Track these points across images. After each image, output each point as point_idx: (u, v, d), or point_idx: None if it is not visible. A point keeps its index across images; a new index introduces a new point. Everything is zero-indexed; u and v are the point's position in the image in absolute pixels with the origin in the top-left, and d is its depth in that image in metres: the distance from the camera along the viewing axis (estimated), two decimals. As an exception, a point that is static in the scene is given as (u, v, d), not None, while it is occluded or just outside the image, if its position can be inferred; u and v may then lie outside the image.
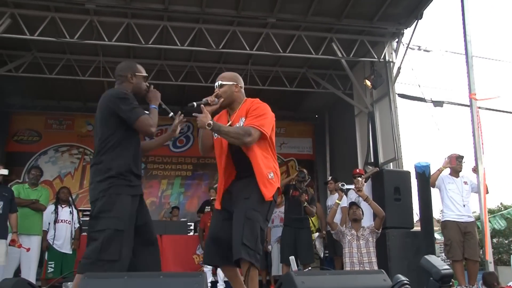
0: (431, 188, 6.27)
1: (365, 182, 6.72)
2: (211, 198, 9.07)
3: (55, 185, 10.26)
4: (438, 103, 9.64)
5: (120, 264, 2.89)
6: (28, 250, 6.17)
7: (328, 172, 11.74)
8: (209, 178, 11.86)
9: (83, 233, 7.38)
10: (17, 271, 6.43)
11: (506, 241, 24.91)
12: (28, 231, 6.44)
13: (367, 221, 5.98)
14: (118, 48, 8.90)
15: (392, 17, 8.34)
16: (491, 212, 14.50)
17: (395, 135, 8.50)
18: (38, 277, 6.70)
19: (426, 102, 9.53)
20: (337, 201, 5.93)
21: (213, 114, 3.39)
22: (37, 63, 9.16)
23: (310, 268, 7.01)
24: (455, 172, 6.44)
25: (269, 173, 3.14)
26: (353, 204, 5.84)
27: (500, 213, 14.42)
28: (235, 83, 3.39)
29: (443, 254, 8.13)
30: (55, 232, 6.86)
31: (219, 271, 7.92)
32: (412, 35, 8.61)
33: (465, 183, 6.32)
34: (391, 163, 8.64)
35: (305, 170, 7.44)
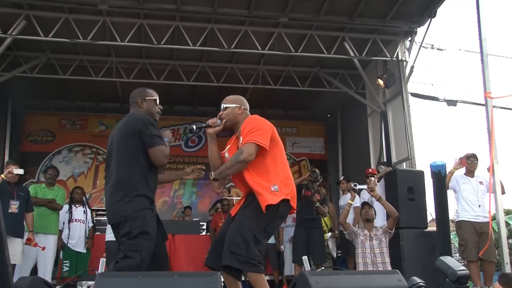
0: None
1: (378, 182, 6.68)
2: (223, 197, 9.09)
3: (68, 184, 10.34)
4: (451, 102, 9.56)
5: None
6: (43, 249, 6.22)
7: (341, 172, 11.69)
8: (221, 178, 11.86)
9: (97, 232, 7.46)
10: (34, 270, 6.50)
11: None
12: (45, 230, 6.51)
13: (381, 221, 5.95)
14: (131, 48, 8.95)
15: (405, 15, 8.27)
16: (507, 212, 14.33)
17: (408, 135, 8.44)
18: (53, 275, 6.77)
19: (439, 101, 9.46)
20: (349, 201, 5.90)
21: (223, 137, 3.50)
22: (51, 64, 9.26)
23: (323, 268, 6.99)
24: (470, 172, 6.39)
25: (271, 186, 3.15)
26: (365, 204, 5.80)
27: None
28: (238, 105, 3.44)
29: (457, 255, 8.07)
30: (69, 231, 6.95)
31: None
32: (425, 34, 8.55)
33: (481, 183, 6.25)
34: (404, 163, 8.58)
35: (317, 170, 7.42)
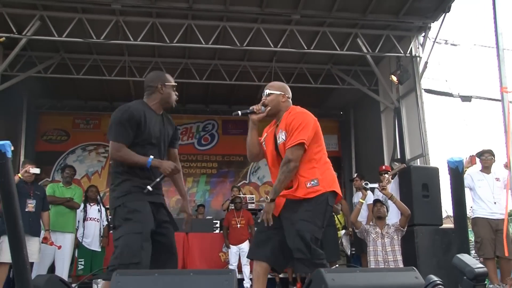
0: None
1: (392, 179, 6.62)
2: (233, 196, 9.08)
3: (83, 183, 10.42)
4: (466, 98, 9.46)
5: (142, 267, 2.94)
6: (59, 247, 6.28)
7: (354, 169, 11.64)
8: (234, 176, 11.91)
9: (111, 231, 7.50)
10: (51, 268, 6.56)
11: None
12: (62, 228, 6.57)
13: (394, 218, 5.90)
14: (143, 47, 8.99)
15: (419, 10, 8.20)
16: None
17: (422, 131, 8.37)
18: (69, 274, 6.83)
19: (454, 97, 9.36)
20: (360, 200, 5.85)
21: (262, 123, 3.44)
22: (65, 64, 9.34)
23: (337, 265, 6.96)
24: (486, 168, 6.31)
25: (309, 181, 3.15)
26: (377, 202, 5.75)
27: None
28: (282, 93, 3.41)
29: (473, 252, 7.98)
30: (84, 230, 7.00)
31: (244, 268, 7.94)
32: (439, 29, 8.46)
33: (497, 179, 6.17)
34: (418, 160, 8.51)
35: (331, 167, 7.37)
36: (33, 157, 10.46)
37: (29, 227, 5.66)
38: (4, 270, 5.70)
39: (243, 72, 9.83)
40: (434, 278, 2.22)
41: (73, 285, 6.19)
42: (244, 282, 7.85)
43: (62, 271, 6.36)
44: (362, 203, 5.82)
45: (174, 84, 3.42)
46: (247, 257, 3.42)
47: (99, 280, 5.13)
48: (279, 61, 9.64)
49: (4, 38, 7.63)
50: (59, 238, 6.41)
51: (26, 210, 5.78)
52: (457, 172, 2.29)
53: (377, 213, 5.56)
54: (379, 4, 7.92)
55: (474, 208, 6.24)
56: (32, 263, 5.83)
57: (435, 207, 6.45)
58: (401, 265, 5.25)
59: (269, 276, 8.69)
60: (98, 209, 7.24)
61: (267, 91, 3.42)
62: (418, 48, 8.77)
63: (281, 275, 8.22)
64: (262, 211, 3.25)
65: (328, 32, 8.45)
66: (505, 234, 5.52)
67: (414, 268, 2.56)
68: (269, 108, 3.35)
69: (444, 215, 6.88)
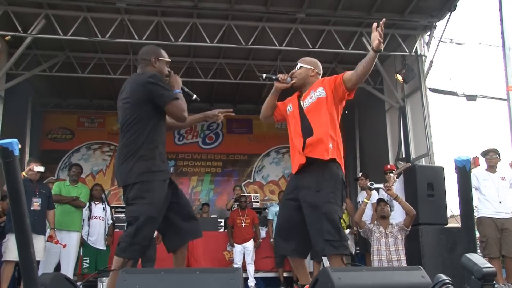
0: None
1: (397, 178, 6.61)
2: (237, 195, 9.09)
3: (87, 182, 10.43)
4: (471, 97, 9.43)
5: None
6: (64, 246, 6.29)
7: (358, 168, 11.61)
8: (239, 175, 11.91)
9: (116, 229, 7.52)
10: (57, 267, 6.58)
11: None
12: (68, 227, 6.58)
13: (399, 217, 5.88)
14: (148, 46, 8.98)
15: (424, 9, 8.17)
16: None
17: (427, 130, 8.35)
18: (74, 272, 6.84)
19: (459, 96, 9.34)
20: (365, 200, 5.83)
21: (285, 94, 3.56)
22: (70, 63, 9.35)
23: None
24: (491, 167, 6.28)
25: (328, 143, 3.21)
26: (381, 201, 5.72)
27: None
28: (312, 68, 3.52)
29: (478, 251, 7.95)
30: (89, 228, 7.00)
31: (249, 267, 7.95)
32: (445, 28, 8.44)
33: (503, 178, 6.15)
34: (423, 159, 8.49)
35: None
36: (38, 155, 10.51)
37: (34, 226, 5.67)
38: (10, 268, 5.72)
39: (248, 71, 9.82)
40: (443, 277, 2.21)
41: (78, 283, 6.18)
42: (248, 281, 7.86)
43: (67, 270, 6.38)
44: (367, 203, 5.80)
45: (168, 60, 3.43)
46: (275, 254, 3.53)
47: (104, 278, 5.13)
48: (284, 60, 9.62)
49: (9, 36, 7.65)
50: (65, 237, 6.42)
51: (32, 208, 5.78)
52: (464, 171, 2.28)
53: (381, 212, 5.54)
54: (384, 2, 7.90)
55: (480, 208, 6.22)
56: (38, 262, 5.85)
57: (440, 207, 6.43)
58: (404, 264, 5.23)
59: (273, 275, 8.69)
60: (103, 207, 7.25)
61: (299, 65, 3.54)
62: (424, 47, 8.75)
63: (285, 274, 8.22)
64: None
65: (333, 31, 8.44)
66: None
67: (421, 267, 2.56)
68: (294, 81, 3.47)
69: (449, 214, 6.85)
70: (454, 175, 2.47)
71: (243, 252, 8.04)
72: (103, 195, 7.42)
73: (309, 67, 3.51)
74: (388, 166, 7.63)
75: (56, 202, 6.39)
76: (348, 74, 3.31)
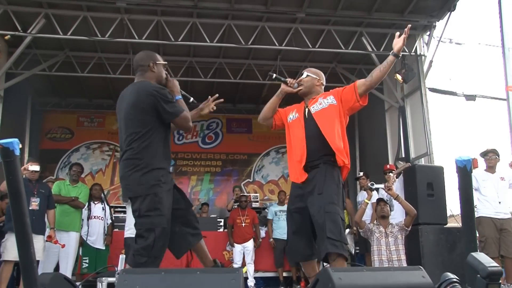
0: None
1: (397, 177, 6.61)
2: (237, 196, 9.08)
3: (87, 181, 10.43)
4: (470, 97, 9.43)
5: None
6: (63, 246, 6.27)
7: (358, 167, 11.60)
8: (238, 174, 11.91)
9: (115, 229, 7.52)
10: (57, 267, 6.57)
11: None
12: (67, 228, 6.57)
13: (400, 217, 5.89)
14: (148, 45, 8.93)
15: (424, 9, 8.17)
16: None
17: (426, 130, 8.35)
18: (73, 272, 6.83)
19: (458, 96, 9.34)
20: (365, 200, 5.81)
21: (288, 99, 3.65)
22: (69, 62, 9.34)
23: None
24: (490, 168, 6.28)
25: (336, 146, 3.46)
26: (380, 201, 5.71)
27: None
28: (318, 78, 3.65)
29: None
30: (88, 228, 6.99)
31: (248, 267, 7.95)
32: (444, 28, 8.43)
33: (502, 179, 6.15)
34: (422, 159, 8.49)
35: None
36: (37, 155, 10.51)
37: (33, 225, 5.65)
38: (9, 268, 5.70)
39: (248, 71, 9.81)
40: (450, 275, 2.21)
41: (77, 283, 6.17)
42: (248, 281, 7.86)
43: (66, 270, 6.37)
44: (367, 203, 5.79)
45: (164, 62, 3.42)
46: (290, 263, 3.65)
47: (103, 278, 5.13)
48: (284, 60, 9.63)
49: (9, 36, 7.64)
50: (64, 237, 6.41)
51: (30, 208, 5.76)
52: (465, 171, 2.29)
53: (381, 212, 5.53)
54: (384, 2, 7.90)
55: (479, 207, 6.22)
56: (37, 261, 5.83)
57: (440, 206, 6.44)
58: (405, 264, 5.22)
59: (272, 274, 8.68)
60: (102, 207, 7.25)
61: (305, 73, 3.65)
62: (423, 47, 8.75)
63: (284, 274, 8.22)
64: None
65: (333, 30, 8.43)
66: None
67: (421, 267, 2.55)
68: (301, 88, 3.59)
69: (448, 214, 6.86)
70: (455, 175, 2.48)
71: (243, 252, 8.04)
72: (102, 195, 7.41)
73: (315, 76, 3.63)
74: (388, 166, 7.63)
75: (55, 202, 6.38)
76: (361, 80, 3.43)
